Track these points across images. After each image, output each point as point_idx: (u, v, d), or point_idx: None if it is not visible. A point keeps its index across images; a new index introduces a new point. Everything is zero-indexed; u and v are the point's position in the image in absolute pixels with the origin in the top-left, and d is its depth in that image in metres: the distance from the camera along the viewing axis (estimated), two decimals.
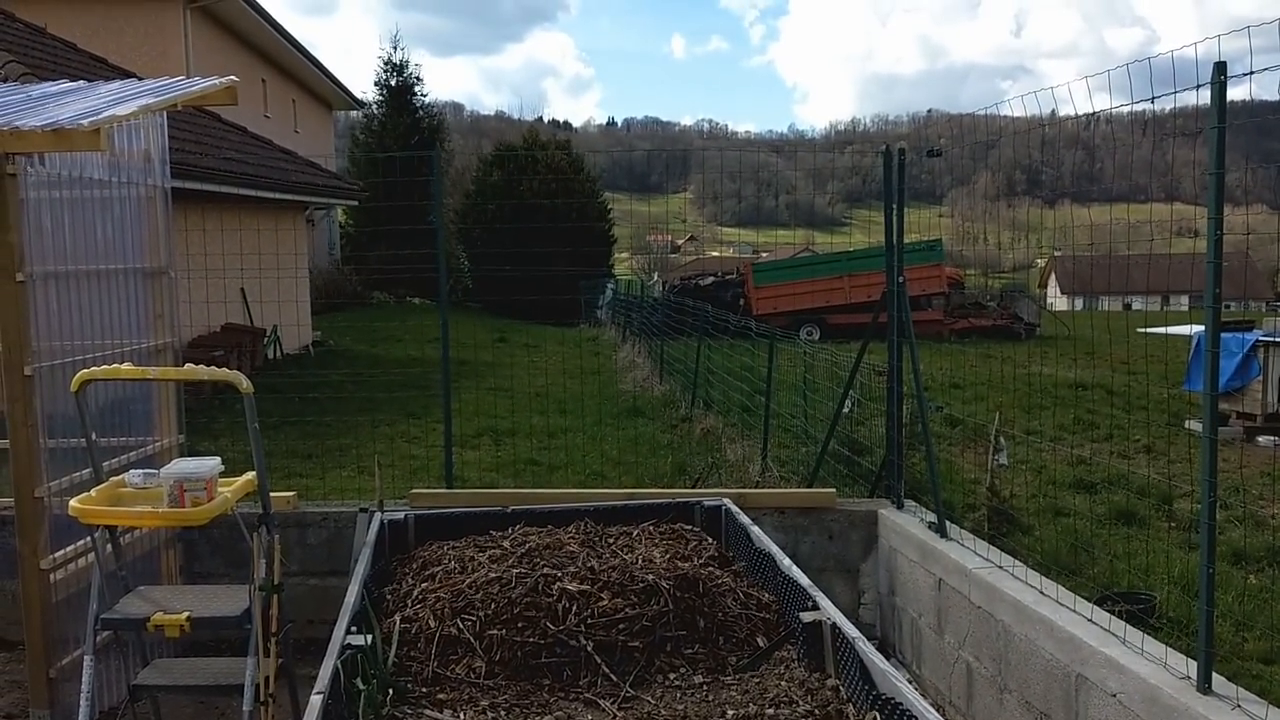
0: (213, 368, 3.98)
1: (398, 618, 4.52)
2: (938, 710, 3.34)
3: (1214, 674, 3.81)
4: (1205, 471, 3.71)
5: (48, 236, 5.24)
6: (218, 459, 3.99)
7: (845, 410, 8.21)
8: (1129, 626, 4.36)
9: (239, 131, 18.36)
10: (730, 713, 3.83)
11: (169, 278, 6.15)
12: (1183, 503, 8.57)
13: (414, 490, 6.95)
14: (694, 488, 8.13)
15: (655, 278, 35.16)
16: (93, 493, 4.00)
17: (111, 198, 5.74)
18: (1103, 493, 9.00)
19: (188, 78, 6.35)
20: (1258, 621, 6.06)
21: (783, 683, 4.12)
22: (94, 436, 4.32)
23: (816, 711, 3.80)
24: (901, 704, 3.36)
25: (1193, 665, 3.86)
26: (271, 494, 4.33)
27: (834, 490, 7.13)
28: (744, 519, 5.73)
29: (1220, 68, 3.68)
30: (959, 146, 6.92)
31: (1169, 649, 4.09)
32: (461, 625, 4.43)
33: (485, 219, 31.17)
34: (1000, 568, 5.36)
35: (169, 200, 6.20)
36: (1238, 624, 6.00)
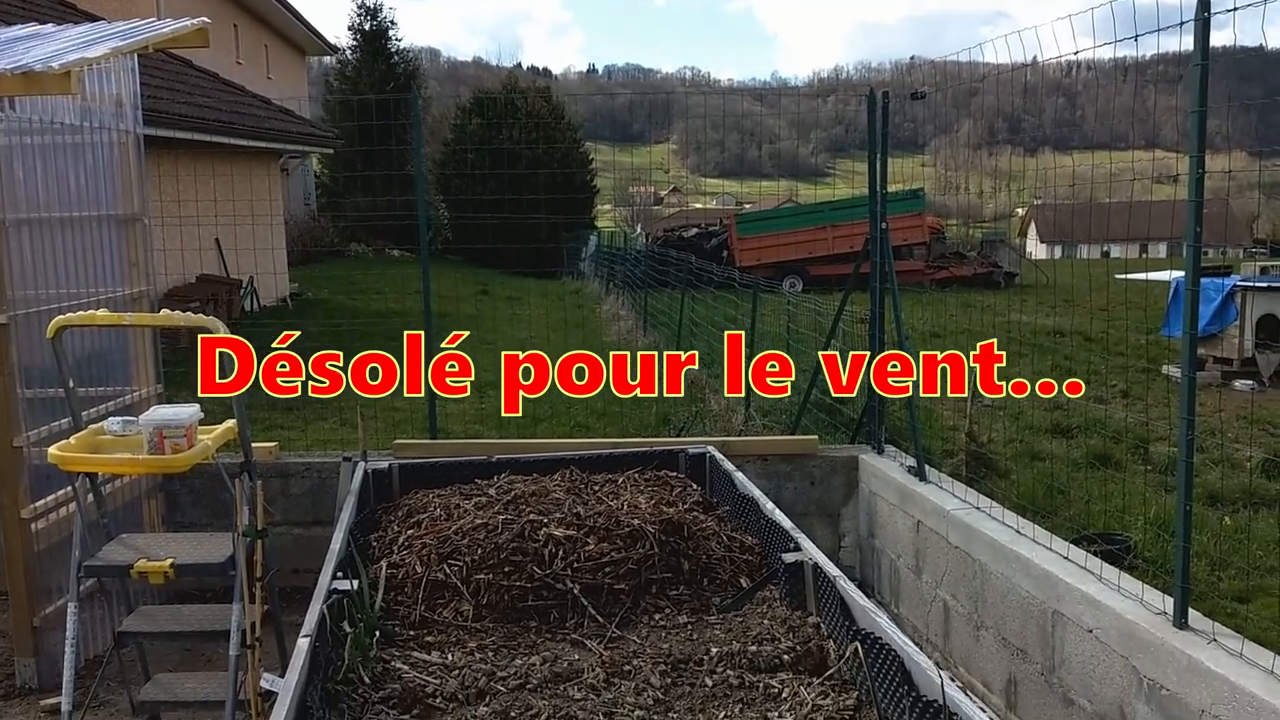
0: (188, 314, 3.95)
1: (384, 564, 4.54)
2: (915, 645, 3.38)
3: (1190, 610, 3.88)
4: (1184, 408, 3.74)
5: (19, 183, 5.17)
6: (196, 406, 3.97)
7: None
8: (1105, 564, 4.42)
9: (211, 78, 18.05)
10: (714, 650, 3.88)
11: (143, 225, 6.08)
12: (1159, 446, 8.67)
13: (397, 441, 6.93)
14: (678, 437, 8.15)
15: (638, 229, 34.97)
16: (71, 440, 3.97)
17: (83, 143, 5.65)
18: (1079, 437, 9.09)
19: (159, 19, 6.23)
20: (1233, 561, 6.16)
21: (765, 621, 4.18)
22: (72, 384, 4.28)
23: (798, 647, 3.86)
24: (881, 638, 3.41)
25: (1169, 601, 3.92)
26: (252, 444, 4.32)
27: (816, 437, 7.17)
28: (727, 466, 5.77)
29: (1204, 4, 3.68)
30: (941, 91, 6.88)
31: (1145, 586, 4.15)
32: (448, 570, 4.46)
33: (464, 167, 30.83)
34: (978, 509, 5.42)
35: (141, 146, 6.11)
36: (1213, 563, 6.10)
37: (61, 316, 4.05)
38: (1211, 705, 3.47)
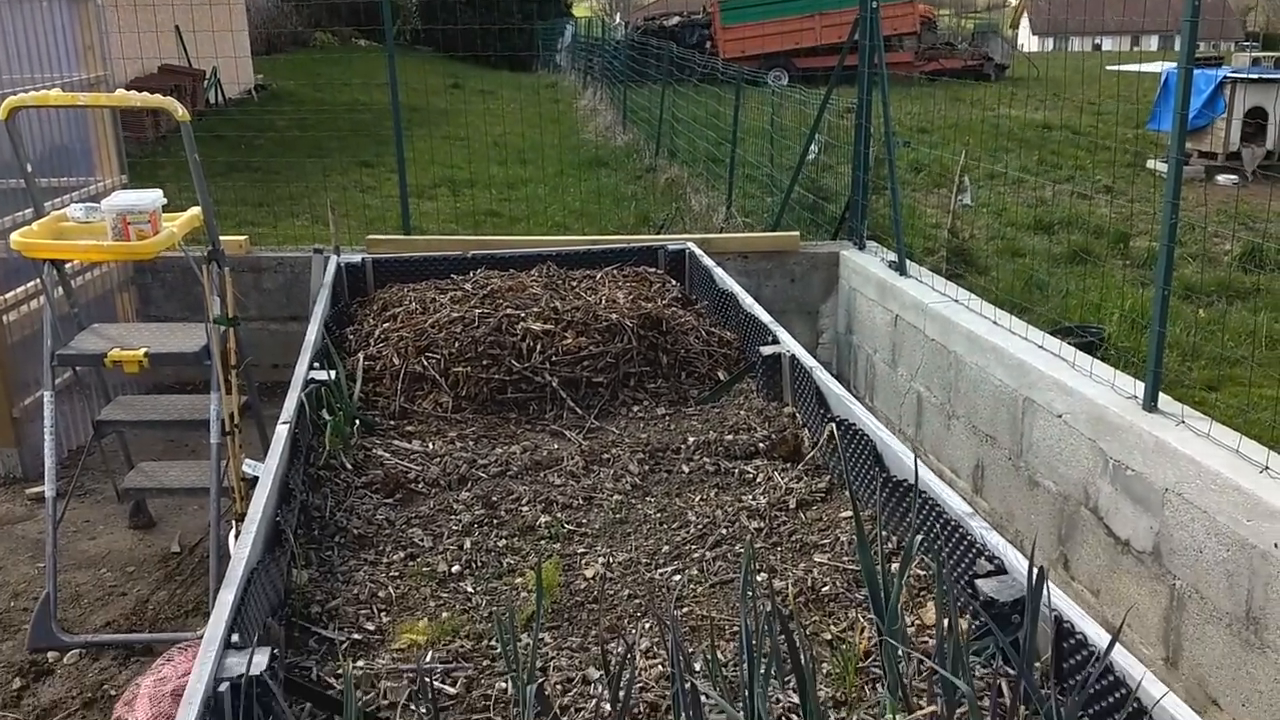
0: (145, 94, 3.76)
1: (361, 356, 4.53)
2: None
3: (1160, 394, 3.94)
4: (1170, 191, 3.68)
5: None
6: (159, 191, 3.83)
7: (810, 156, 8.07)
8: (1079, 352, 4.47)
9: None
10: (691, 439, 3.94)
11: (95, 5, 5.75)
12: (1139, 241, 8.67)
13: (370, 236, 6.83)
14: (657, 235, 8.08)
15: (617, 19, 33.57)
16: (34, 226, 3.86)
17: None
18: (1060, 233, 9.06)
19: None
20: (1204, 351, 6.26)
21: (742, 412, 4.23)
22: (30, 169, 4.13)
23: (773, 436, 3.92)
24: (854, 424, 3.46)
25: (1140, 386, 3.97)
26: (222, 237, 4.22)
27: (798, 233, 7.10)
28: (707, 261, 5.72)
29: None
30: None
31: (1117, 372, 4.20)
32: (426, 363, 4.46)
33: None
34: (956, 302, 5.43)
35: None
36: (1184, 354, 6.19)
37: (14, 98, 3.86)
38: (1176, 484, 3.58)
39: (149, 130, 11.97)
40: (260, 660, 2.09)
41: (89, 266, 5.42)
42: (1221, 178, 12.15)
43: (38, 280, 4.76)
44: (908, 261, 6.13)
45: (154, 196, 3.78)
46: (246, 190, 9.59)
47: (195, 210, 4.01)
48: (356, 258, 5.66)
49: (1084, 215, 9.53)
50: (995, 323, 5.02)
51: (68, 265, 4.44)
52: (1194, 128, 12.36)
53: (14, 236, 3.77)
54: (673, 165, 12.28)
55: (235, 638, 2.18)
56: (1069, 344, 4.68)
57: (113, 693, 3.81)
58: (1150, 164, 12.09)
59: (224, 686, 2.01)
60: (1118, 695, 2.00)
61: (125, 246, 3.69)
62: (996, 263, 8.05)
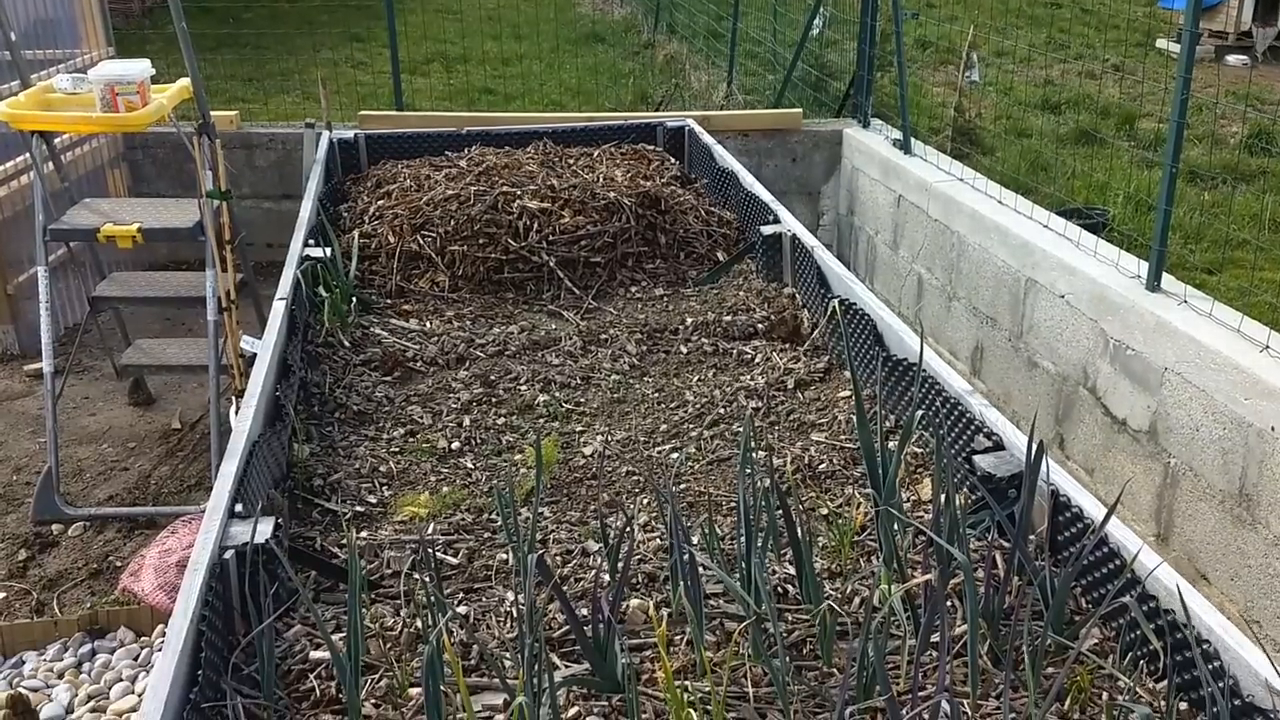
0: None
1: (356, 234, 4.47)
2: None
3: (1164, 274, 3.91)
4: (1182, 66, 3.58)
5: None
6: (147, 62, 3.72)
7: (815, 31, 7.86)
8: (1084, 231, 4.42)
9: None
10: (689, 320, 3.93)
11: None
12: (1146, 122, 8.51)
13: (362, 112, 6.69)
14: (656, 112, 7.92)
15: None
16: (21, 97, 3.75)
17: None
18: (1067, 113, 8.90)
19: None
20: (1207, 234, 6.20)
21: (741, 293, 4.21)
22: (14, 38, 4.00)
23: (772, 317, 3.91)
24: (856, 304, 3.44)
25: (1144, 266, 3.95)
26: (212, 113, 4.11)
27: (800, 110, 6.96)
28: (707, 139, 5.61)
29: None
30: None
31: (1122, 252, 4.17)
32: (422, 241, 4.41)
33: None
34: (961, 180, 5.35)
35: None
36: (1187, 237, 6.14)
37: None
38: (1175, 363, 3.58)
39: (135, 2, 11.64)
40: (264, 529, 2.11)
41: (79, 141, 5.30)
42: (1231, 58, 11.85)
43: (27, 155, 4.67)
44: (913, 140, 6.02)
45: (142, 67, 3.67)
46: (236, 66, 9.36)
47: (184, 81, 3.90)
48: (349, 133, 5.54)
49: (1091, 95, 9.33)
50: (1000, 202, 4.96)
51: (57, 139, 4.34)
52: (1206, 6, 12.00)
53: (1, 107, 3.67)
54: (672, 41, 11.96)
55: (239, 508, 2.19)
56: (1074, 225, 4.64)
57: (118, 564, 3.87)
58: (1160, 43, 11.79)
59: (229, 554, 2.04)
60: (1111, 567, 2.03)
61: (114, 118, 3.60)
62: (1003, 142, 7.91)
